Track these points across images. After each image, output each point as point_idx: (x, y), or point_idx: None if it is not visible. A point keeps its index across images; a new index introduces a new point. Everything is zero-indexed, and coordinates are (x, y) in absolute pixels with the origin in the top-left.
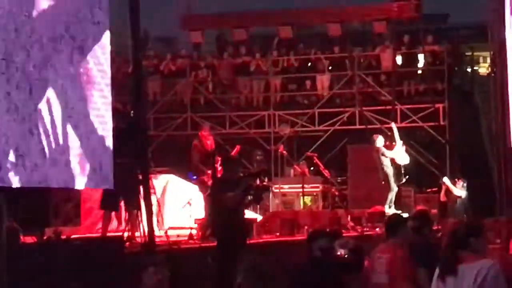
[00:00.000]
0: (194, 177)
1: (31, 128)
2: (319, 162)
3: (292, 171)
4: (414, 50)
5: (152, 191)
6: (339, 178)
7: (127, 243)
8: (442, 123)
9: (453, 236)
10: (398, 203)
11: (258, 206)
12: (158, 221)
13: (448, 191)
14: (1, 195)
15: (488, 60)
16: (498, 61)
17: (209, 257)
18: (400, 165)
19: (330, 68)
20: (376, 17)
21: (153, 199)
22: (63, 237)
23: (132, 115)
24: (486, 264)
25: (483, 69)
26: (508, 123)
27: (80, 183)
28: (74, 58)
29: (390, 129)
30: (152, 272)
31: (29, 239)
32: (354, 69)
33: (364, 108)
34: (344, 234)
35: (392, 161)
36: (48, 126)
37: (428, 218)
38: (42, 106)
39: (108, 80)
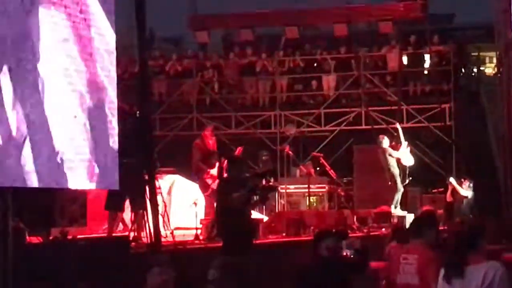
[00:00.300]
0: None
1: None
2: (325, 163)
3: (298, 171)
4: (420, 50)
5: (158, 191)
6: (345, 178)
7: (133, 244)
8: (448, 123)
9: (460, 238)
10: (404, 204)
11: (264, 206)
12: (164, 221)
13: (455, 191)
14: (7, 195)
15: (494, 60)
16: (505, 61)
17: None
18: (405, 166)
19: (336, 68)
20: (382, 17)
21: (159, 199)
22: (69, 237)
23: (138, 115)
24: (493, 265)
25: (489, 69)
26: None
27: (85, 183)
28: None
29: (396, 130)
30: (156, 272)
31: (35, 239)
32: (360, 70)
33: (370, 109)
34: (350, 235)
35: (398, 161)
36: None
37: (434, 218)
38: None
39: (114, 84)
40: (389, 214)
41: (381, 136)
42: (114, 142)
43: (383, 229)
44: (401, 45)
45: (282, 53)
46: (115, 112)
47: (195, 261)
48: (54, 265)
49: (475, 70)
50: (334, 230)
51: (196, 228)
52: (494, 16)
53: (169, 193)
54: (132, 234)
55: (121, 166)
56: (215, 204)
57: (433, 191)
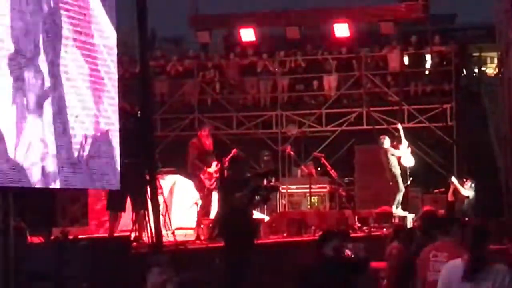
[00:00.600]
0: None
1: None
2: (326, 163)
3: (299, 171)
4: (422, 50)
5: (159, 191)
6: (346, 178)
7: (134, 244)
8: (449, 123)
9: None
10: (405, 204)
11: (266, 206)
12: (165, 221)
13: (456, 191)
14: (9, 195)
15: (496, 60)
16: (506, 62)
17: (217, 258)
18: (405, 166)
19: (337, 68)
20: (383, 17)
21: (160, 200)
22: (70, 237)
23: (139, 115)
24: (503, 269)
25: (491, 69)
26: None
27: (87, 183)
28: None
29: (397, 130)
30: (156, 272)
31: (36, 239)
32: (361, 70)
33: (371, 109)
34: (351, 235)
35: (398, 160)
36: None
37: (435, 218)
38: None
39: (115, 82)
40: (390, 214)
41: (382, 136)
42: (115, 141)
43: (384, 229)
44: (402, 45)
45: (283, 53)
46: (116, 109)
47: (197, 261)
48: (55, 265)
49: (476, 70)
50: (337, 231)
51: (197, 228)
52: (495, 16)
53: (170, 193)
54: (133, 234)
55: (122, 166)
56: (214, 204)
57: (435, 191)
